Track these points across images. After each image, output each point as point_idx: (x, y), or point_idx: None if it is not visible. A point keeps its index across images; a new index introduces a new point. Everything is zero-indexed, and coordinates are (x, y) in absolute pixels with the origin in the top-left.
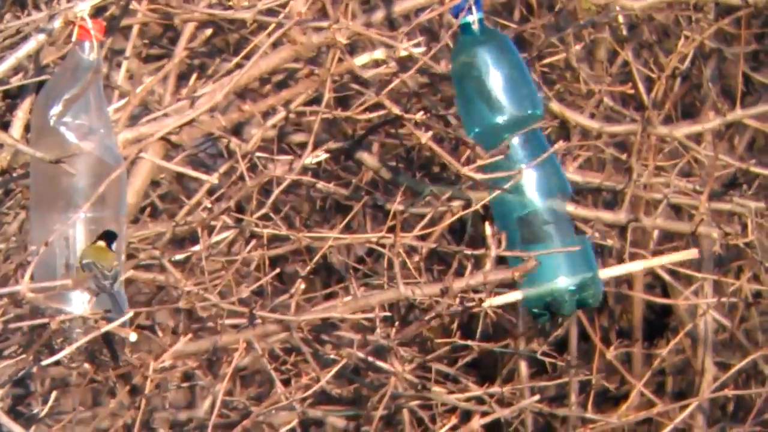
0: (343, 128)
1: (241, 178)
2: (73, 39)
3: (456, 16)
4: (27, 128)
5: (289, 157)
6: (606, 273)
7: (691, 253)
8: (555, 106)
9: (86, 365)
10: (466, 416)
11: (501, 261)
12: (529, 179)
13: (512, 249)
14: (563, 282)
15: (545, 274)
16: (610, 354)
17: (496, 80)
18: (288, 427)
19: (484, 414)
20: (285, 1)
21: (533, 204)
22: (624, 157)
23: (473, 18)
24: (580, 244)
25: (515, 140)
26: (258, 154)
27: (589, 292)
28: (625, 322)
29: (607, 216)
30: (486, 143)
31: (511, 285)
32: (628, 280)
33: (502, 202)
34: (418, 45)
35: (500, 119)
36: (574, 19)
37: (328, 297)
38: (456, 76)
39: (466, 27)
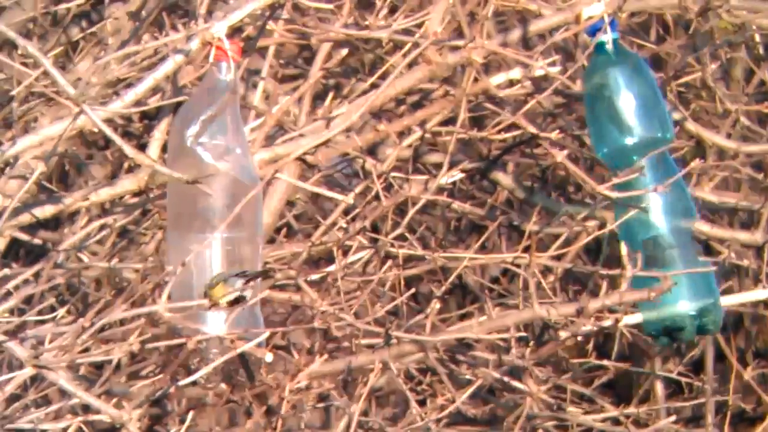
0: (478, 148)
1: (377, 198)
2: (210, 60)
3: (592, 36)
4: (164, 149)
5: (425, 177)
6: (728, 300)
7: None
8: (691, 125)
9: (223, 385)
10: None
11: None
12: (656, 202)
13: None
14: (684, 306)
15: (666, 298)
16: (748, 374)
17: (627, 101)
18: None
19: None
20: (421, 21)
21: (658, 227)
22: (761, 177)
23: (608, 38)
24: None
25: (644, 161)
26: (393, 174)
27: (709, 318)
28: (762, 342)
29: (744, 236)
30: (613, 164)
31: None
32: (765, 301)
33: (628, 224)
34: (553, 64)
35: (629, 141)
36: (710, 39)
37: (463, 317)
38: (588, 96)
39: (600, 47)
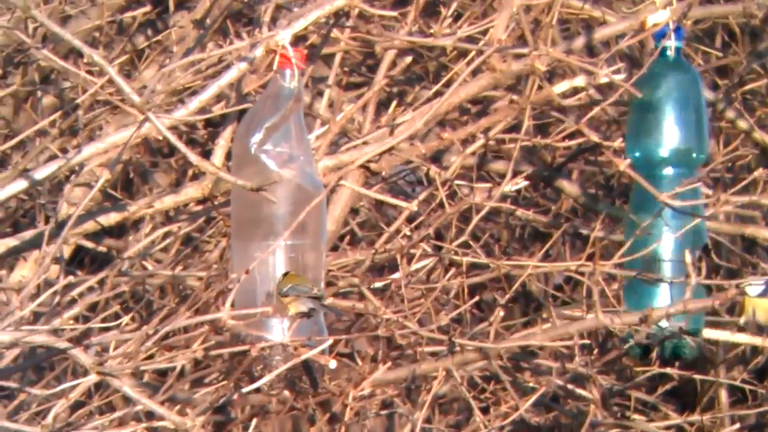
0: (542, 156)
1: (441, 205)
2: (275, 67)
3: (658, 42)
4: (228, 156)
5: (489, 185)
6: (709, 333)
7: None
8: (756, 133)
9: (286, 392)
10: None
11: None
12: (670, 221)
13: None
14: (685, 324)
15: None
16: None
17: (671, 113)
18: None
19: None
20: (485, 29)
21: (673, 244)
22: None
23: (671, 44)
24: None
25: (670, 173)
26: (457, 181)
27: (688, 344)
28: None
29: None
30: (641, 169)
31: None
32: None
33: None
34: (618, 72)
35: (663, 152)
36: None
37: (527, 325)
38: (635, 97)
39: (662, 53)
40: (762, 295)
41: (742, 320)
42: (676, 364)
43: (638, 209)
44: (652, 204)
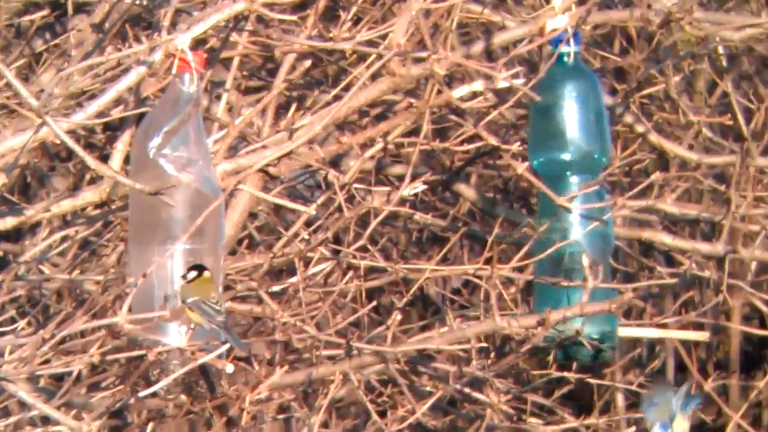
0: (440, 160)
1: (339, 209)
2: (174, 71)
3: (555, 48)
4: (127, 160)
5: (387, 189)
6: (624, 332)
7: (703, 335)
8: (653, 137)
9: (183, 397)
10: None
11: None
12: (577, 221)
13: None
14: (587, 327)
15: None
16: (708, 385)
17: (572, 117)
18: None
19: None
20: (384, 33)
21: (576, 246)
22: (722, 188)
23: (569, 50)
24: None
25: (575, 179)
26: (356, 185)
27: (606, 345)
28: (722, 353)
29: (705, 247)
30: (545, 174)
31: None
32: (725, 311)
33: (549, 239)
34: (516, 76)
35: (566, 156)
36: (673, 51)
37: (425, 328)
38: (536, 103)
39: (560, 58)
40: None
41: None
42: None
43: (542, 213)
44: (555, 208)
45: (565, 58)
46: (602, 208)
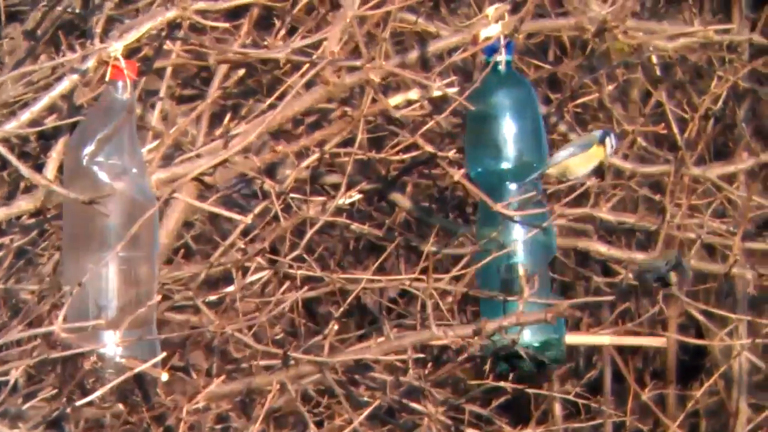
0: (376, 169)
1: (275, 218)
2: (107, 79)
3: (490, 56)
4: (61, 169)
5: (323, 198)
6: (571, 339)
7: (660, 341)
8: None
9: (120, 406)
10: None
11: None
12: (518, 232)
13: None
14: (527, 336)
15: (513, 327)
16: (645, 395)
17: (509, 126)
18: None
19: None
20: (318, 41)
21: (516, 256)
22: (657, 197)
23: (501, 59)
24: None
25: (513, 187)
26: (292, 194)
27: (551, 353)
28: (659, 363)
29: (641, 257)
30: (484, 184)
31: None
32: (662, 321)
33: (488, 249)
34: (451, 85)
35: (504, 165)
36: (607, 60)
37: (362, 338)
38: (471, 113)
39: (494, 67)
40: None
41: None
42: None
43: (484, 223)
44: (497, 217)
45: (499, 67)
46: (541, 217)
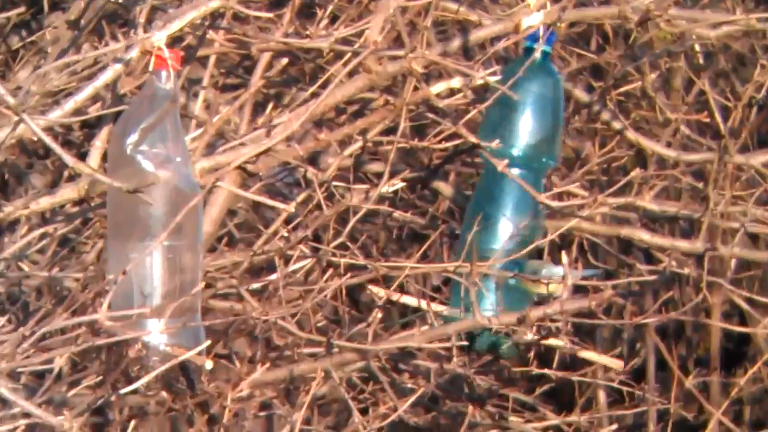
0: (419, 157)
1: (318, 207)
2: (150, 68)
3: (532, 45)
4: (105, 157)
5: (366, 186)
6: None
7: (616, 364)
8: (631, 134)
9: (164, 393)
10: None
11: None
12: (505, 222)
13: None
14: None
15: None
16: (689, 382)
17: (527, 115)
18: None
19: None
20: (361, 30)
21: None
22: (701, 185)
23: (538, 48)
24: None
25: (515, 171)
26: (335, 183)
27: (506, 340)
28: (703, 350)
29: (684, 245)
30: (491, 167)
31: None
32: (705, 309)
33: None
34: (494, 74)
35: (516, 152)
36: (650, 48)
37: (405, 326)
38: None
39: (529, 56)
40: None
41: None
42: (554, 365)
43: (516, 211)
44: (527, 204)
45: (535, 56)
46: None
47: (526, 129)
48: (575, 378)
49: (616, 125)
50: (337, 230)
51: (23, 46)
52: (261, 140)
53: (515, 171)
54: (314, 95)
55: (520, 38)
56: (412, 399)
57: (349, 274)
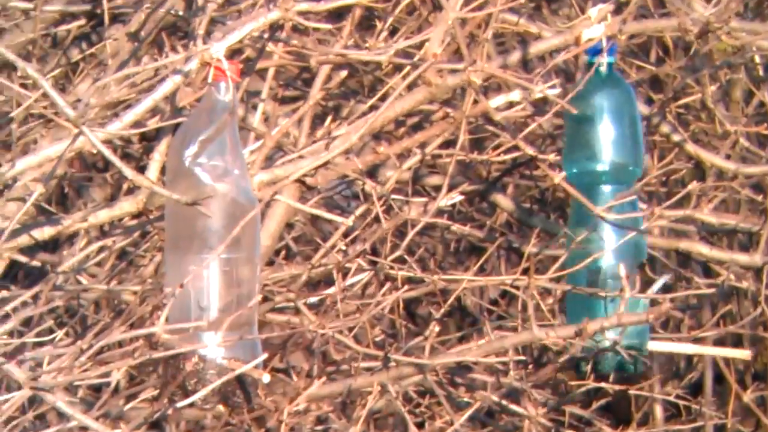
0: (477, 170)
1: (377, 220)
2: (209, 80)
3: (593, 58)
4: (163, 170)
5: (424, 200)
6: (653, 346)
7: (744, 354)
8: (690, 147)
9: (220, 407)
10: None
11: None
12: (609, 235)
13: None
14: (611, 337)
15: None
16: (747, 397)
17: (607, 128)
18: None
19: None
20: (420, 43)
21: (603, 258)
22: (760, 198)
23: (603, 61)
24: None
25: (607, 189)
26: (393, 196)
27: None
28: (761, 364)
29: (743, 258)
30: (579, 185)
31: None
32: (763, 323)
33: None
34: (553, 87)
35: (600, 167)
36: (709, 60)
37: (462, 339)
38: (570, 114)
39: (595, 69)
40: None
41: None
42: (611, 378)
43: (576, 224)
44: (589, 218)
45: (600, 68)
46: (636, 219)
47: (607, 143)
48: (632, 392)
49: (675, 137)
50: (395, 243)
51: (83, 58)
52: (319, 153)
53: (607, 188)
54: (373, 108)
55: (581, 51)
56: (469, 413)
57: (406, 288)
